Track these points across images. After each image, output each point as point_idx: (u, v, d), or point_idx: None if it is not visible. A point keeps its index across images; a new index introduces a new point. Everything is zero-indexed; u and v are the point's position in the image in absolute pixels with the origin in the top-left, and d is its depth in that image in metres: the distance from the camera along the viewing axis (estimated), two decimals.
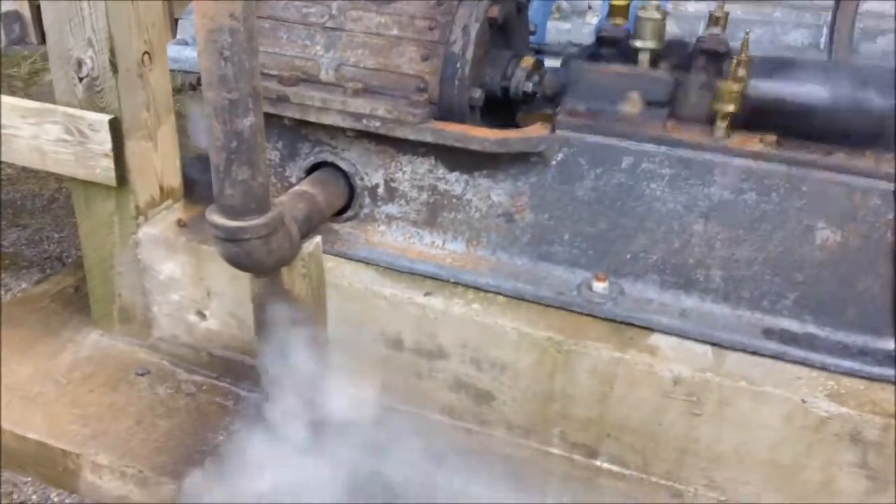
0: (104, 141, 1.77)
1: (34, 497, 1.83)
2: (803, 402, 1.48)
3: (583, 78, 1.78)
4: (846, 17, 2.50)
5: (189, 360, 2.02)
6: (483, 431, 1.76)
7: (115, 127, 1.77)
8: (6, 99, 1.91)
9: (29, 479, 1.86)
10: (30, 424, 1.84)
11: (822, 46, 4.81)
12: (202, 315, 1.95)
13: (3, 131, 1.89)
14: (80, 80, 1.77)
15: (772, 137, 1.63)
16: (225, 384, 1.98)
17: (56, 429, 1.83)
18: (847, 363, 1.55)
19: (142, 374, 2.00)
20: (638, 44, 1.79)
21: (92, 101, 1.79)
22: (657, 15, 1.79)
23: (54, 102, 1.85)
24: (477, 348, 1.69)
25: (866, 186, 1.54)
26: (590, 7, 5.08)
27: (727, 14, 1.97)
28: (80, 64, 1.75)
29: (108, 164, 1.79)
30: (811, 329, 1.62)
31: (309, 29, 1.86)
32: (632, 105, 1.71)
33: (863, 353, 1.56)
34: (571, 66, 1.81)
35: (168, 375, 2.01)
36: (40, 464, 1.84)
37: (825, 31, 4.72)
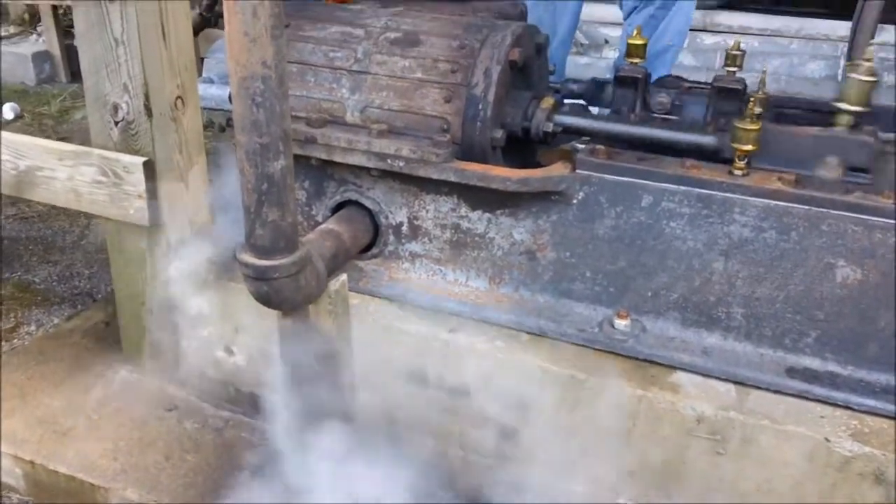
0: (138, 182, 1.83)
1: None
2: (827, 440, 1.48)
3: (776, 139, 1.72)
4: (861, 49, 2.51)
5: (216, 396, 2.05)
6: (506, 468, 1.77)
7: (149, 169, 1.82)
8: (44, 142, 1.98)
9: None
10: (61, 458, 1.87)
11: (839, 78, 4.84)
12: (230, 351, 1.99)
13: (40, 173, 1.95)
14: (116, 123, 1.83)
15: (790, 176, 1.65)
16: (251, 419, 2.01)
17: (86, 463, 1.86)
18: (870, 401, 1.55)
19: (170, 410, 2.03)
20: (842, 105, 1.69)
21: (127, 143, 1.85)
22: (868, 77, 1.65)
23: (88, 143, 1.92)
24: (500, 385, 1.70)
25: (885, 224, 1.56)
26: (606, 41, 5.15)
27: (744, 53, 2.00)
28: (116, 108, 1.81)
29: (142, 204, 1.84)
30: (833, 367, 1.62)
31: (335, 72, 1.91)
32: (830, 170, 1.63)
33: (886, 392, 1.56)
34: (763, 127, 1.70)
35: (196, 410, 2.04)
36: (70, 497, 1.86)
37: (842, 62, 4.75)
